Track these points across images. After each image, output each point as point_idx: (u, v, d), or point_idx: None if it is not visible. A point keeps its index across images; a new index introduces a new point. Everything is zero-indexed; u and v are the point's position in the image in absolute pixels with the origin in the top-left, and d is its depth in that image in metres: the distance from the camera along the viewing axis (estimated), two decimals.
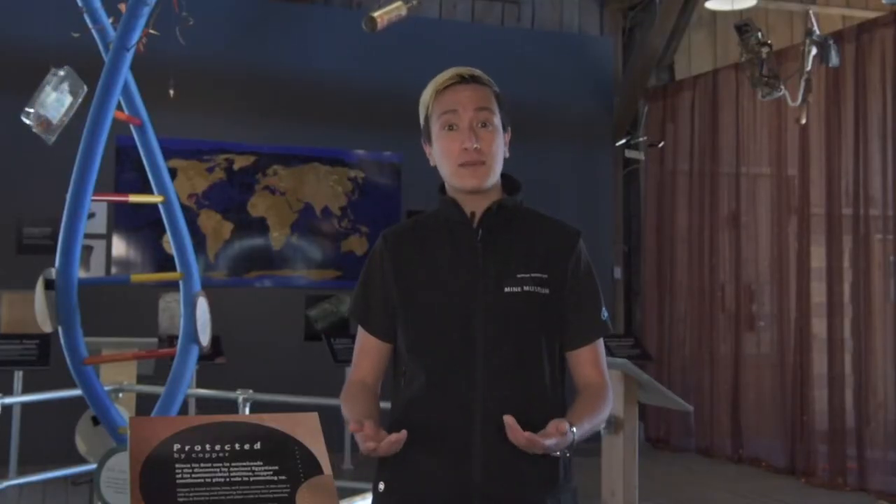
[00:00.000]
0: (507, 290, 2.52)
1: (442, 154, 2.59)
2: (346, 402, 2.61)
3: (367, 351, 2.67)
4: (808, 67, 8.37)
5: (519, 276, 2.53)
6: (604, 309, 2.65)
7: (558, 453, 2.41)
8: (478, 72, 2.63)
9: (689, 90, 11.07)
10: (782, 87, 8.47)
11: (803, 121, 8.75)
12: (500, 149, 2.59)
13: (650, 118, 11.47)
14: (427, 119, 2.64)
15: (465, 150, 2.53)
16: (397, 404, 2.61)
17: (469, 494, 2.45)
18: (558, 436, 2.31)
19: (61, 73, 5.08)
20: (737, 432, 10.02)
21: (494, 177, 2.58)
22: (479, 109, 2.56)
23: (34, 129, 5.07)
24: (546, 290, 2.54)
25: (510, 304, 2.52)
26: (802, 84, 8.41)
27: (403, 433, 2.34)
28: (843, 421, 8.80)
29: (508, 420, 2.30)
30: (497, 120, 2.59)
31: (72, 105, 5.08)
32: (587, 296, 2.62)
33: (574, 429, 2.38)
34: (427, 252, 2.61)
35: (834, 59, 8.31)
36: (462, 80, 2.59)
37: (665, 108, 11.34)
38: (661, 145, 11.18)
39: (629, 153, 11.04)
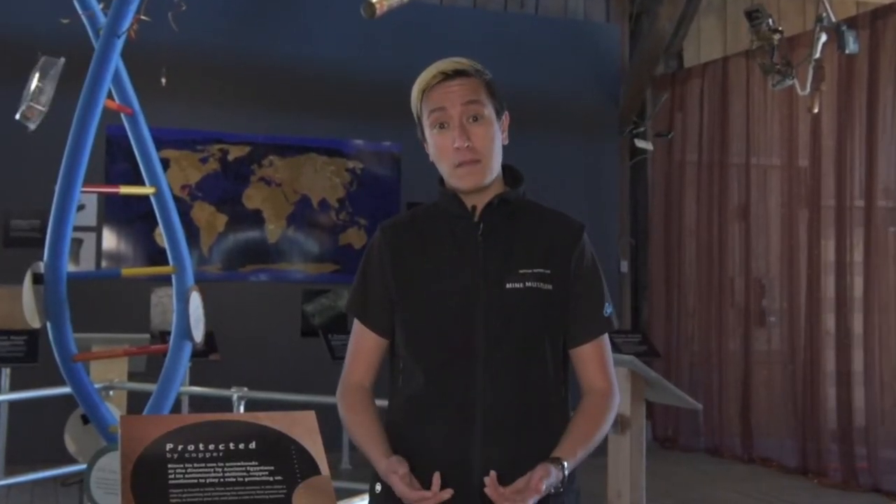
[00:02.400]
0: (508, 286, 2.52)
1: (437, 153, 2.60)
2: (352, 414, 2.62)
3: (364, 347, 2.67)
4: (817, 55, 8.35)
5: (521, 271, 2.53)
6: (608, 304, 2.64)
7: (553, 490, 2.43)
8: (463, 63, 2.61)
9: (698, 78, 11.06)
10: (794, 75, 8.45)
11: (815, 110, 8.74)
12: (495, 142, 2.58)
13: (659, 107, 11.45)
14: (419, 118, 2.65)
15: (458, 149, 2.53)
16: (395, 403, 2.61)
17: (469, 497, 2.44)
18: (537, 488, 2.34)
19: (42, 60, 5.08)
20: (747, 431, 10.02)
21: (493, 172, 2.58)
22: (467, 104, 2.55)
23: (19, 116, 5.08)
24: (549, 286, 2.54)
25: (512, 300, 2.51)
26: (811, 72, 8.39)
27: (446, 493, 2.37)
28: (855, 420, 8.81)
29: (489, 480, 2.34)
30: (489, 110, 2.58)
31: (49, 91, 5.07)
32: (590, 291, 2.62)
33: (566, 463, 2.42)
34: (426, 246, 2.61)
35: (852, 46, 8.25)
36: (446, 76, 2.58)
37: (673, 97, 11.32)
38: (669, 136, 11.17)
39: (639, 143, 11.01)
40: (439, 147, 2.57)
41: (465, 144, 2.52)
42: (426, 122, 2.60)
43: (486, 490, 2.33)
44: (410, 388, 2.55)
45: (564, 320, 2.58)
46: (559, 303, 2.56)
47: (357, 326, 2.69)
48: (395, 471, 2.38)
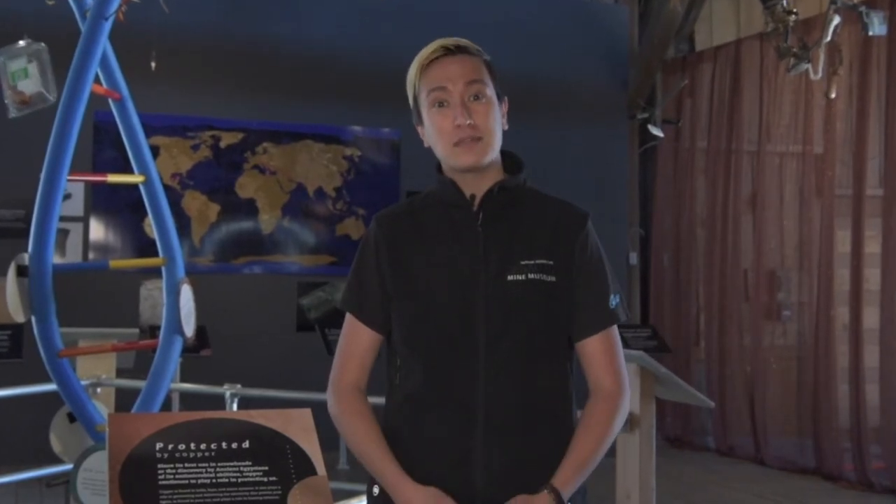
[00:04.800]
0: (510, 278, 2.50)
1: (435, 133, 2.57)
2: (353, 421, 2.60)
3: (359, 345, 2.66)
4: (828, 38, 8.33)
5: (522, 262, 2.52)
6: (613, 296, 2.62)
7: None
8: (464, 41, 2.60)
9: (710, 62, 11.05)
10: (810, 58, 8.44)
11: (832, 95, 8.73)
12: (496, 122, 2.56)
13: (666, 92, 11.43)
14: (416, 98, 2.62)
15: (459, 126, 2.50)
16: (392, 401, 2.60)
17: (471, 499, 2.44)
18: None
19: (25, 43, 5.07)
20: (759, 430, 10.01)
21: (493, 152, 2.56)
22: (469, 83, 2.53)
23: (8, 101, 5.08)
24: (552, 278, 2.53)
25: (513, 293, 2.50)
26: (822, 56, 8.37)
27: None
28: (871, 418, 8.80)
29: None
30: (490, 91, 2.56)
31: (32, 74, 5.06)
32: (594, 281, 2.60)
33: (562, 491, 2.44)
34: (424, 237, 2.60)
35: (877, 28, 8.19)
36: (448, 51, 2.57)
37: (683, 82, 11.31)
38: (678, 124, 11.15)
39: (652, 129, 10.97)
40: (437, 127, 2.54)
41: (466, 122, 2.49)
42: (424, 102, 2.57)
43: None
44: (409, 385, 2.55)
45: (569, 313, 2.57)
46: (563, 295, 2.55)
47: (351, 322, 2.68)
48: (439, 500, 2.42)
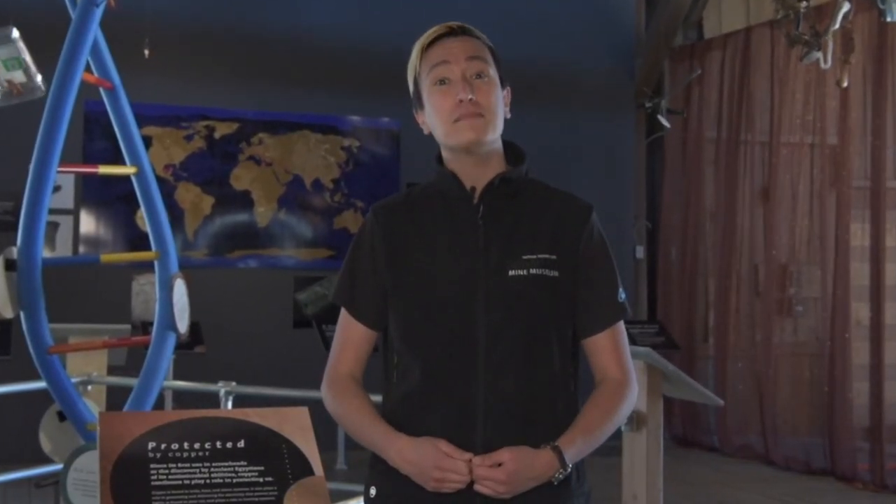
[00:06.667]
0: (511, 273, 2.50)
1: (435, 113, 2.55)
2: (344, 400, 2.60)
3: (352, 339, 2.66)
4: (836, 26, 8.31)
5: (524, 257, 2.51)
6: (621, 290, 2.62)
7: (557, 475, 2.42)
8: (467, 25, 2.61)
9: (719, 50, 11.03)
10: (822, 46, 8.43)
11: (844, 83, 8.71)
12: (498, 103, 2.55)
13: (674, 81, 11.41)
14: (416, 82, 2.62)
15: (461, 102, 2.49)
16: (389, 400, 2.60)
17: (471, 500, 2.42)
18: (514, 464, 2.37)
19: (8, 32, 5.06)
20: (769, 429, 10.01)
21: (494, 133, 2.55)
22: (471, 58, 2.53)
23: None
24: (555, 273, 2.52)
25: (515, 288, 2.49)
26: (831, 44, 8.36)
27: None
28: (889, 417, 8.79)
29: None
30: (493, 72, 2.56)
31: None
32: (601, 276, 2.60)
33: (565, 451, 2.41)
34: (423, 230, 2.59)
35: None
36: (451, 31, 2.58)
37: (691, 70, 11.28)
38: (682, 115, 11.13)
39: (663, 120, 10.94)
40: (437, 105, 2.53)
41: (468, 97, 2.48)
42: (425, 81, 2.57)
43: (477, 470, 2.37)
44: (406, 383, 2.54)
45: (573, 309, 2.57)
46: (566, 291, 2.54)
47: (344, 316, 2.68)
48: (436, 445, 2.39)
